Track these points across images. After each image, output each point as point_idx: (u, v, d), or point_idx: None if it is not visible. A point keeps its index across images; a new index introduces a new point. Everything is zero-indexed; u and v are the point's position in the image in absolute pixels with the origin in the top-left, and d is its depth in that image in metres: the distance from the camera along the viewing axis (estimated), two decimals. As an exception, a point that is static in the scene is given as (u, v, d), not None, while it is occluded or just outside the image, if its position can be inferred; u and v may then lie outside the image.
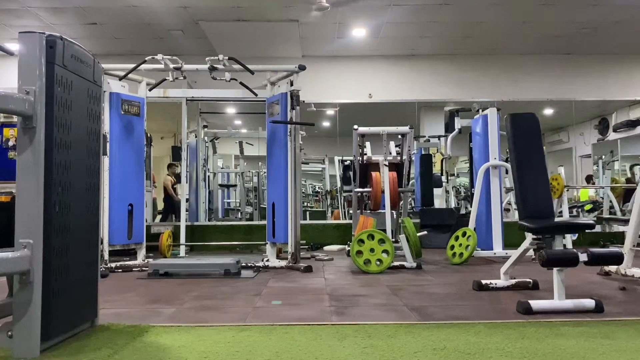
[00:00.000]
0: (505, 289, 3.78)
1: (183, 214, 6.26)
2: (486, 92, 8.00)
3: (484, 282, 3.83)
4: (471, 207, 6.03)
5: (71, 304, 2.46)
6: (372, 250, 4.87)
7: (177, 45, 7.39)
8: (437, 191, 8.45)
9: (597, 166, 9.19)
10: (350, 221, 6.57)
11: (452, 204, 9.00)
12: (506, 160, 6.04)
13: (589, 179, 8.90)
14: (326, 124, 8.69)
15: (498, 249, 5.72)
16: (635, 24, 6.87)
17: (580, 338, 2.48)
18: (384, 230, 5.13)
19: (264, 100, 5.72)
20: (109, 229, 5.16)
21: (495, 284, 3.82)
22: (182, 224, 6.17)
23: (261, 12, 6.40)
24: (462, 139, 7.37)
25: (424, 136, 8.47)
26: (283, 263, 5.19)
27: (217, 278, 4.57)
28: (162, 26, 6.87)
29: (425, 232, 6.44)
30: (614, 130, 8.59)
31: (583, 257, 3.04)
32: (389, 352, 2.28)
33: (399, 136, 5.90)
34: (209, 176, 8.60)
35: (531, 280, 3.84)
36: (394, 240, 5.23)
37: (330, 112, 8.31)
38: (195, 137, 8.17)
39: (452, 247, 5.59)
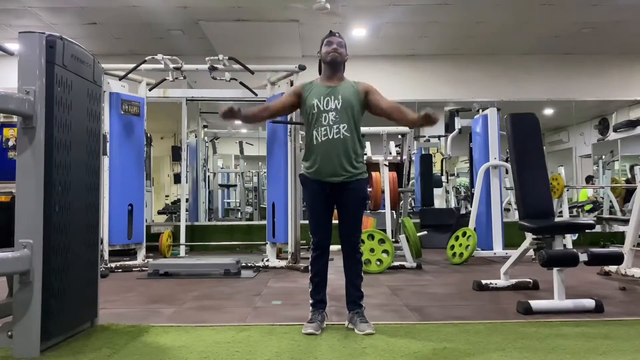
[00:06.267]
0: (505, 289, 3.78)
1: (183, 213, 6.26)
2: (486, 92, 7.99)
3: (484, 282, 3.83)
4: (471, 207, 6.03)
5: (71, 304, 2.46)
6: (372, 250, 4.87)
7: (177, 45, 7.39)
8: (437, 191, 8.44)
9: (597, 166, 9.18)
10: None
11: (452, 204, 9.00)
12: (506, 160, 6.04)
13: (589, 179, 8.90)
14: (326, 123, 8.68)
15: (498, 249, 5.72)
16: (635, 24, 6.87)
17: (580, 338, 2.48)
18: (384, 230, 5.13)
19: (264, 100, 5.71)
20: (109, 229, 5.15)
21: (496, 284, 3.82)
22: (182, 224, 6.16)
23: (261, 12, 6.40)
24: (462, 139, 7.35)
25: (424, 136, 8.44)
26: (283, 263, 5.19)
27: (217, 278, 4.57)
28: (162, 26, 6.86)
29: (425, 232, 6.44)
30: (614, 130, 8.59)
31: (583, 257, 3.04)
32: (389, 352, 2.27)
33: (399, 136, 5.90)
34: (209, 176, 8.59)
35: (531, 280, 3.84)
36: (394, 240, 5.22)
37: (330, 112, 8.29)
38: (195, 137, 8.16)
39: (452, 247, 5.59)
